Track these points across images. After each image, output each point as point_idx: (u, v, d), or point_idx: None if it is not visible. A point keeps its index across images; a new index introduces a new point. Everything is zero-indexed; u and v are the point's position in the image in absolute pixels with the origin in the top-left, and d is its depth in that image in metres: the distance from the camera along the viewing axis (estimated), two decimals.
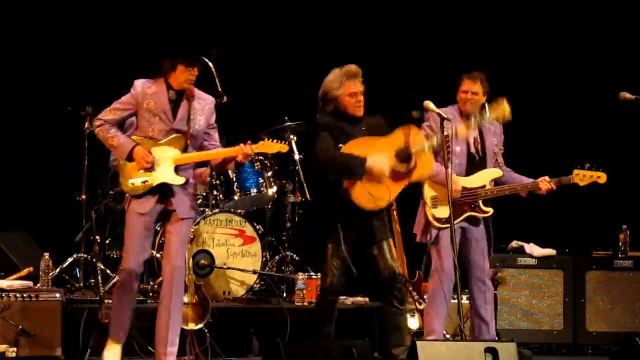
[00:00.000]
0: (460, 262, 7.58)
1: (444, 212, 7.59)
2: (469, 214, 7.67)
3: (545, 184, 7.68)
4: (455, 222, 7.44)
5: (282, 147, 7.26)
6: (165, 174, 7.06)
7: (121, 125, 7.13)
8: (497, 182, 7.77)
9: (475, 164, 7.71)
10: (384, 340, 7.27)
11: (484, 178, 7.71)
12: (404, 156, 7.23)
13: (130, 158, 7.03)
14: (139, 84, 7.11)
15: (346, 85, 7.28)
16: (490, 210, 7.72)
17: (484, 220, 7.73)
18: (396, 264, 7.36)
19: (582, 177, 7.70)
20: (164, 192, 7.09)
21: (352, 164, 7.11)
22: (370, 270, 7.35)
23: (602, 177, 7.74)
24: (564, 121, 10.35)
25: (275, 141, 7.25)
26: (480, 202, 7.68)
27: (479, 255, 7.71)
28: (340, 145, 7.19)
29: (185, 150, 7.11)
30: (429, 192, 7.66)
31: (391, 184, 7.22)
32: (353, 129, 7.28)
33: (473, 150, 7.72)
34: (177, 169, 7.09)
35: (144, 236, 7.11)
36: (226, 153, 7.16)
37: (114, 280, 8.51)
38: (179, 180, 7.10)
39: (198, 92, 7.19)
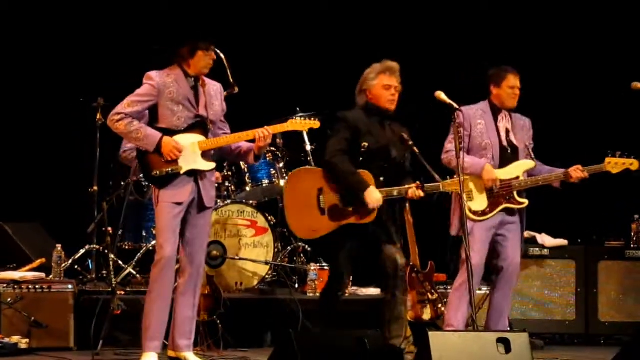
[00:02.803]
0: (492, 255, 7.58)
1: (479, 204, 7.58)
2: (504, 205, 7.63)
3: (577, 172, 7.64)
4: (492, 214, 7.57)
5: (314, 124, 7.24)
6: (193, 161, 6.93)
7: (139, 118, 6.92)
8: (529, 174, 7.74)
9: (507, 156, 7.67)
10: (384, 330, 7.26)
11: (517, 169, 7.67)
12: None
13: (158, 149, 6.87)
14: (155, 74, 6.94)
15: (381, 77, 7.26)
16: (525, 202, 7.68)
17: (518, 211, 7.71)
18: (399, 255, 7.34)
19: (615, 164, 7.67)
20: (194, 179, 6.95)
21: (355, 184, 7.12)
22: (376, 262, 7.36)
23: (634, 164, 7.69)
24: (590, 111, 10.29)
25: (304, 118, 7.25)
26: (515, 193, 7.65)
27: (513, 249, 7.66)
28: (365, 144, 7.17)
29: (207, 135, 7.00)
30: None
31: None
32: (380, 128, 7.25)
33: (505, 143, 7.69)
34: (204, 155, 6.97)
35: (177, 225, 6.94)
36: (246, 135, 7.04)
37: (125, 272, 8.53)
38: (208, 165, 6.99)
39: (206, 78, 7.11)
